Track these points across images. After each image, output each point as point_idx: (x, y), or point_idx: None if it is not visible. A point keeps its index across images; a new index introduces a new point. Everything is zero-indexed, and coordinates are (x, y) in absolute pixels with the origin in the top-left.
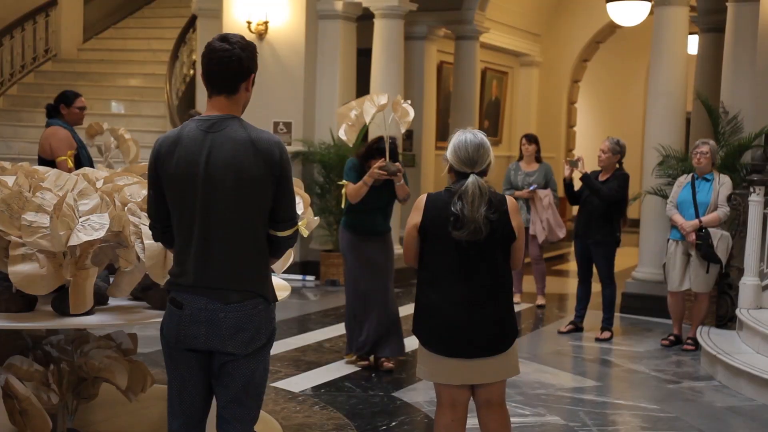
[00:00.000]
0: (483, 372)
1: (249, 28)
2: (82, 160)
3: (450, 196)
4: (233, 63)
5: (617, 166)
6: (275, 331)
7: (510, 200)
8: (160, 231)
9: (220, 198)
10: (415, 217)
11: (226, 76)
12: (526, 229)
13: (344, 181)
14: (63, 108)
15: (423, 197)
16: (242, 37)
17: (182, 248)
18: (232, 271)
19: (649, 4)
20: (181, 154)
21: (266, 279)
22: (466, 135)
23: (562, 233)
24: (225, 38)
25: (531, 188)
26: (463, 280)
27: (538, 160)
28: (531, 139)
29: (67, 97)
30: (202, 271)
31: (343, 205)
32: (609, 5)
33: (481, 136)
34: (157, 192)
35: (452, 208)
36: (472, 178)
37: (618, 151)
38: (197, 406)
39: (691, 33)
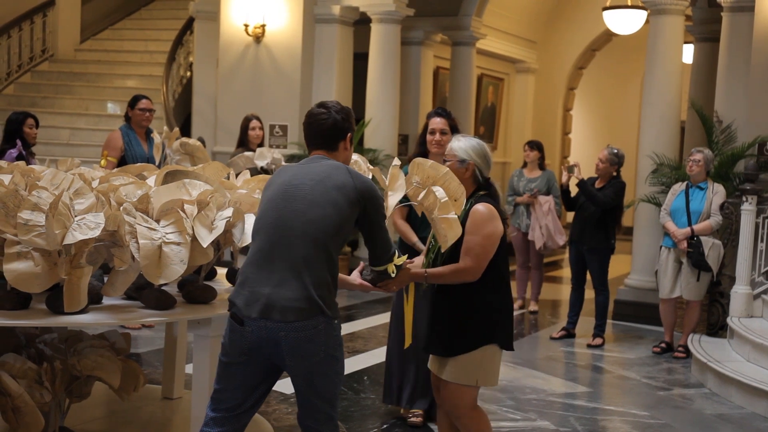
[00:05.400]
0: None
1: (246, 30)
2: (127, 162)
3: (496, 202)
4: (329, 123)
5: (614, 174)
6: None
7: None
8: None
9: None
10: (499, 224)
11: (324, 135)
12: (525, 234)
13: None
14: (129, 110)
15: (489, 206)
16: (338, 102)
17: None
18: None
19: (645, 13)
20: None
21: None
22: (476, 140)
23: (561, 240)
24: (323, 104)
25: (530, 193)
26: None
27: (542, 167)
28: (533, 145)
29: (133, 99)
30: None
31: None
32: (605, 13)
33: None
34: None
35: (501, 215)
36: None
37: (616, 162)
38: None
39: (686, 42)
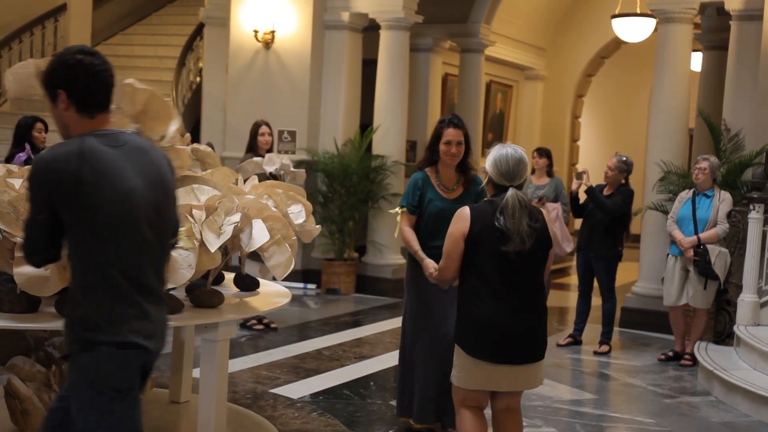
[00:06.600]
0: (524, 378)
1: (256, 36)
2: None
3: (493, 209)
4: (113, 78)
5: (623, 181)
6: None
7: (543, 210)
8: None
9: None
10: (461, 227)
11: (111, 91)
12: None
13: (398, 209)
14: None
15: (465, 209)
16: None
17: None
18: None
19: (654, 21)
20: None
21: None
22: (507, 149)
23: (569, 247)
24: (92, 53)
25: (537, 199)
26: (513, 289)
27: (550, 174)
28: (542, 152)
29: None
30: None
31: (396, 235)
32: (614, 21)
33: (521, 151)
34: None
35: (496, 224)
36: (511, 192)
37: (624, 169)
38: None
39: (694, 50)
